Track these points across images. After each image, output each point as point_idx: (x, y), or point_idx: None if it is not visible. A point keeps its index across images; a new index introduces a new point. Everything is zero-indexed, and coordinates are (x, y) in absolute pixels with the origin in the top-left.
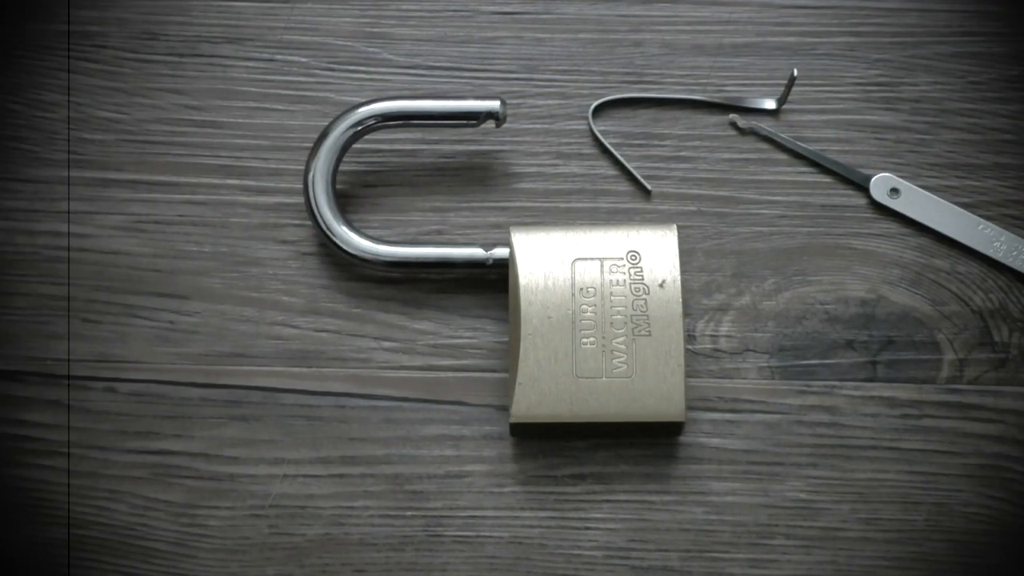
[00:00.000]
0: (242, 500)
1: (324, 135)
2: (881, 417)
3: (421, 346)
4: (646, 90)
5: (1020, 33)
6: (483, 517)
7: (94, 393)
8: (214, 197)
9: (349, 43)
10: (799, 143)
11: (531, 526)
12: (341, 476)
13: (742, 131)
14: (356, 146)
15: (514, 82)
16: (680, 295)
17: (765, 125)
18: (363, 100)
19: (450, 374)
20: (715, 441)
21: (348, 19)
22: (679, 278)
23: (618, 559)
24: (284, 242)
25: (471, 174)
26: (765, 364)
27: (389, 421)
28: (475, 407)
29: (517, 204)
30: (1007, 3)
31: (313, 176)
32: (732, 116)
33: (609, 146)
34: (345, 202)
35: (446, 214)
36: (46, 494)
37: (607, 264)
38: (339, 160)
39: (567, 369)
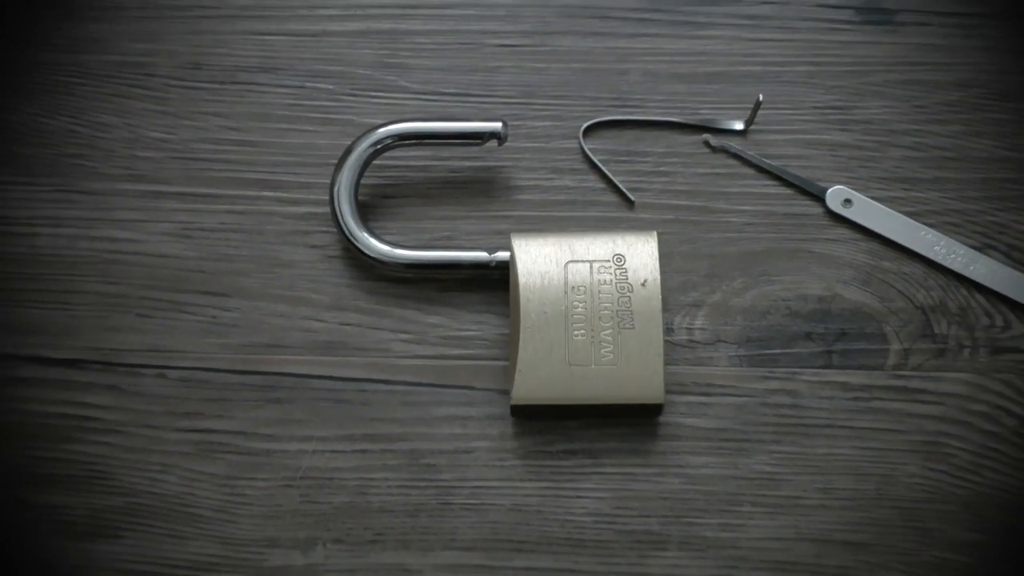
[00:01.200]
0: (276, 472)
1: (348, 152)
2: (836, 399)
3: (433, 337)
4: (630, 113)
5: (958, 63)
6: (487, 487)
7: (146, 379)
8: (251, 207)
9: (369, 72)
10: (764, 159)
11: (529, 495)
12: (363, 451)
13: (714, 149)
14: (376, 162)
15: (514, 106)
16: (660, 293)
17: (734, 144)
18: (382, 122)
19: (458, 362)
20: (690, 421)
21: (369, 51)
22: (659, 278)
23: (605, 524)
24: (313, 247)
25: (476, 187)
26: (734, 353)
27: (405, 403)
28: (480, 391)
29: (517, 213)
30: (947, 37)
31: (338, 189)
32: (705, 136)
33: (597, 162)
34: (366, 211)
35: (455, 222)
36: (104, 467)
37: (596, 266)
38: (361, 174)
39: (561, 358)
